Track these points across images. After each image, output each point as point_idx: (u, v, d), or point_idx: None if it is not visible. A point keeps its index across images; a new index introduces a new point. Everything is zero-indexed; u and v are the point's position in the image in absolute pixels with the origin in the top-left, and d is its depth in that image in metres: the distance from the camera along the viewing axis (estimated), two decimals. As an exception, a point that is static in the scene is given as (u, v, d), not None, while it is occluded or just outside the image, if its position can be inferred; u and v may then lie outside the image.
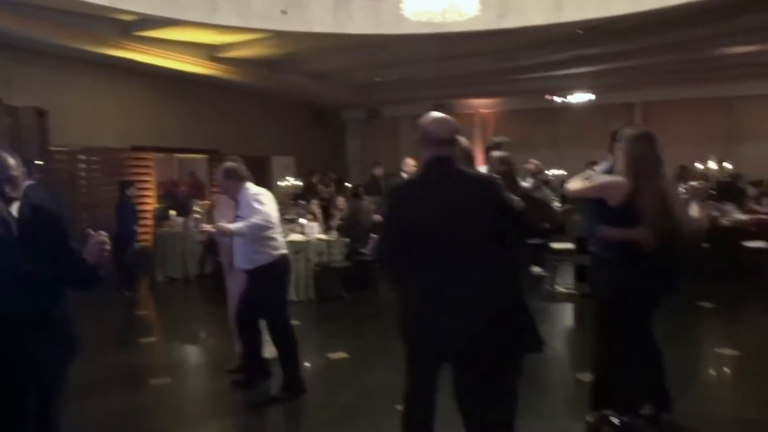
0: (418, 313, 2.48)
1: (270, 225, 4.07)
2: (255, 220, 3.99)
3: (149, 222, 9.62)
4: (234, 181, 4.19)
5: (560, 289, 7.48)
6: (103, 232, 2.35)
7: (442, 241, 2.39)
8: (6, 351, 2.23)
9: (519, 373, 2.69)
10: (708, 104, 13.28)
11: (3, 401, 2.24)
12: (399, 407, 2.67)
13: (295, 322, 6.33)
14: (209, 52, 9.49)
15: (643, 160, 3.02)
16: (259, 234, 4.04)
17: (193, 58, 9.39)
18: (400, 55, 9.94)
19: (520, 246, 2.82)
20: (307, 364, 5.22)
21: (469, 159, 3.11)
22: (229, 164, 4.28)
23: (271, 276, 4.14)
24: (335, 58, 10.40)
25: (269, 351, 4.45)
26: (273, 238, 4.14)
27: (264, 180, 11.76)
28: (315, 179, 10.75)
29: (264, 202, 4.12)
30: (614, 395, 3.30)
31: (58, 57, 8.45)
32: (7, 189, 2.26)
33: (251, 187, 4.20)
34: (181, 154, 10.69)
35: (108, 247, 2.34)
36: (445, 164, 2.46)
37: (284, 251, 4.23)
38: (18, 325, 2.25)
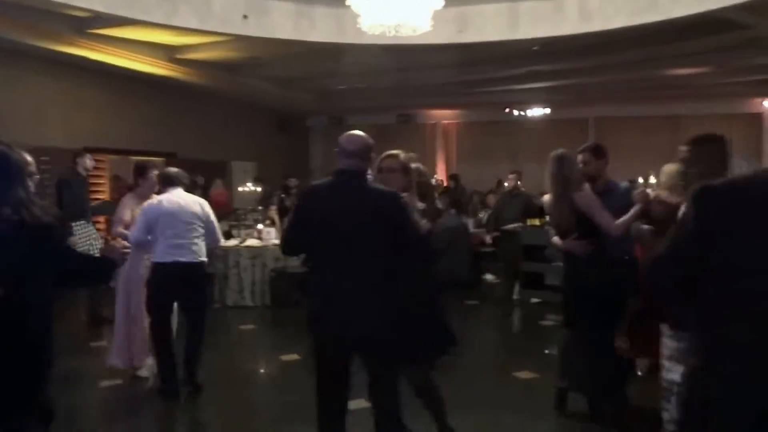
0: (316, 306, 2.79)
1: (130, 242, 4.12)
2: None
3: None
4: (162, 185, 4.41)
5: (513, 296, 7.77)
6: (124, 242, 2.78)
7: (335, 244, 2.69)
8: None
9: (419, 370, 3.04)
10: (657, 122, 13.89)
11: None
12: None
13: (249, 326, 6.51)
14: (168, 53, 9.47)
15: (552, 178, 3.51)
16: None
17: (150, 59, 9.33)
18: (363, 65, 10.13)
19: (427, 261, 3.02)
20: (260, 368, 5.37)
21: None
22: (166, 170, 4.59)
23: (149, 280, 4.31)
24: (298, 65, 10.52)
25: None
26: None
27: (224, 184, 11.80)
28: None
29: (138, 218, 4.33)
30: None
31: (6, 52, 8.26)
32: (31, 185, 2.36)
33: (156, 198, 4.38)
34: (137, 157, 10.59)
35: (127, 252, 2.70)
36: (347, 175, 2.76)
37: (158, 260, 4.24)
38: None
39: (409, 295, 2.87)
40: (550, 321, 6.24)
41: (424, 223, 2.88)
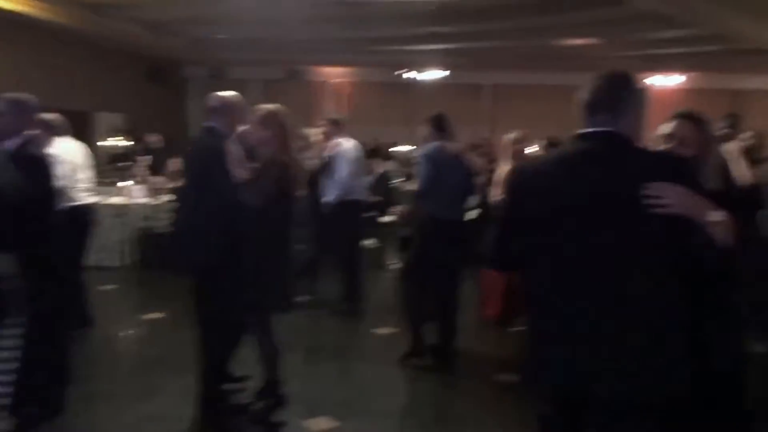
0: None
1: None
2: None
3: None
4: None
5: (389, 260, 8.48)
6: None
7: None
8: None
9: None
10: (551, 91, 15.02)
11: None
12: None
13: (111, 287, 6.75)
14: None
15: None
16: None
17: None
18: (244, 12, 10.27)
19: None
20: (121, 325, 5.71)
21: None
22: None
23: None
24: (170, 7, 10.49)
25: None
26: None
27: (85, 138, 11.60)
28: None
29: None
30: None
31: None
32: None
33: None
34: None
35: None
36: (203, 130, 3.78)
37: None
38: None
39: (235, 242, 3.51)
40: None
41: (239, 173, 3.49)
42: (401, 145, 13.81)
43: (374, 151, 10.93)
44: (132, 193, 7.90)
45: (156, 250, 7.61)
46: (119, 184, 7.99)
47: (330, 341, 5.28)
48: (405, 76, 14.82)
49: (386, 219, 8.67)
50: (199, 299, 3.70)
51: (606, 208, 1.97)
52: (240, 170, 3.48)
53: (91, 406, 3.81)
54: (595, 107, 2.07)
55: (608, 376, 1.90)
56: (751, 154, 5.24)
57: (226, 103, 3.69)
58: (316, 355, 4.78)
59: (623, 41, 12.02)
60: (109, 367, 4.54)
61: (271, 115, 3.65)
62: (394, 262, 8.09)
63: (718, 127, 5.55)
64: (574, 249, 1.98)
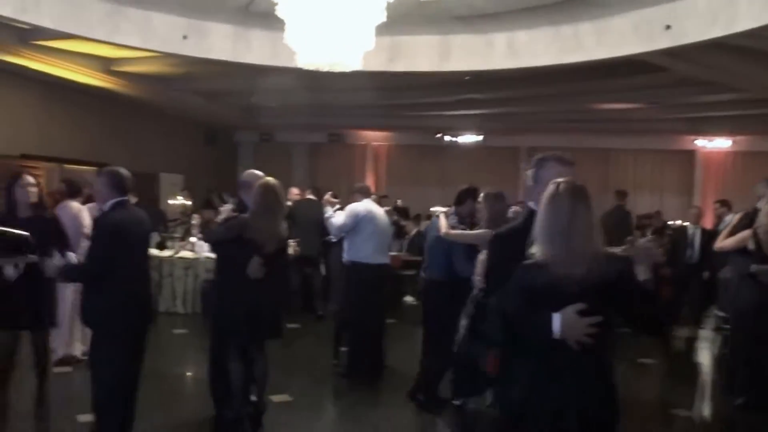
0: None
1: None
2: None
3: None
4: None
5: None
6: None
7: None
8: None
9: None
10: (587, 154, 15.74)
11: None
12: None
13: (182, 331, 7.66)
14: (105, 64, 10.53)
15: (497, 213, 4.75)
16: None
17: (88, 70, 10.38)
18: (294, 84, 11.38)
19: None
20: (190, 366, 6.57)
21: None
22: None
23: None
24: (231, 81, 11.72)
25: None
26: None
27: (152, 196, 12.82)
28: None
29: None
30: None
31: (-56, 58, 9.13)
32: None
33: None
34: (69, 165, 11.47)
35: None
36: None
37: None
38: None
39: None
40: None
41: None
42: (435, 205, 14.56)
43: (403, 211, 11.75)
44: (196, 247, 8.89)
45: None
46: (191, 239, 8.99)
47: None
48: (441, 138, 15.66)
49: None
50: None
51: None
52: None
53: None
54: None
55: None
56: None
57: (246, 180, 4.95)
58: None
59: (666, 105, 12.38)
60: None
61: (257, 186, 4.64)
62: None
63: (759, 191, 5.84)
64: None
